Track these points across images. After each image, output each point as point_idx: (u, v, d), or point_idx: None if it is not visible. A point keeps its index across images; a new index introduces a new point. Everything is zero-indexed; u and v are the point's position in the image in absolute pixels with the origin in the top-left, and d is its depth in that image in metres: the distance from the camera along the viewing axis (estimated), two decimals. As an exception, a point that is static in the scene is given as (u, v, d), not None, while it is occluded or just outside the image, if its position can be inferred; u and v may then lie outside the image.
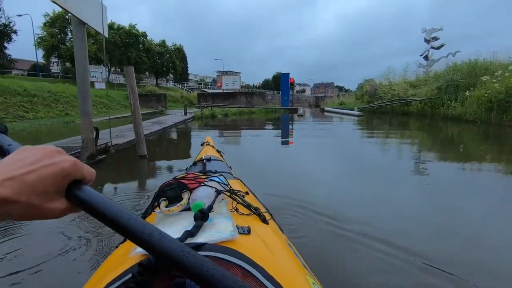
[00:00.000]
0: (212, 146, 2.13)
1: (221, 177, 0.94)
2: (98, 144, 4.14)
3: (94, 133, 3.94)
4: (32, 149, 0.31)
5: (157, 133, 7.87)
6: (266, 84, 70.42)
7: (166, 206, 0.73)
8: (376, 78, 21.45)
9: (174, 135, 8.45)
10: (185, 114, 14.86)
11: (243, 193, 0.97)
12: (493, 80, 9.72)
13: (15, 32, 27.18)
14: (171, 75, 45.30)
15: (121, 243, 0.74)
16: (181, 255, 0.29)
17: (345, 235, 1.98)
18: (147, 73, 42.23)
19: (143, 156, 4.37)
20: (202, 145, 2.19)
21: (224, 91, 28.74)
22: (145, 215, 0.83)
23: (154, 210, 0.78)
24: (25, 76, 28.29)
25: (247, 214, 0.79)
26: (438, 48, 20.26)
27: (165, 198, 0.74)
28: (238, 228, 0.64)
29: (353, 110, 16.51)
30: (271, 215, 0.89)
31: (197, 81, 59.24)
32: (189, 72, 51.22)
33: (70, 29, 28.97)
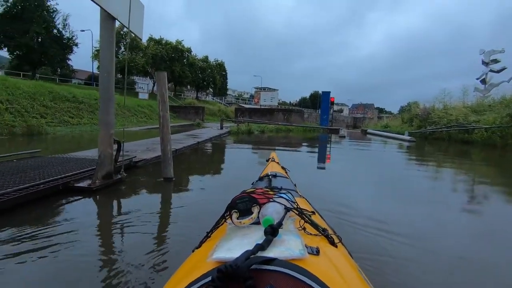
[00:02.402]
0: (277, 163, 2.14)
1: (289, 194, 0.94)
2: (119, 160, 3.58)
3: (115, 146, 3.38)
4: None
5: (190, 148, 7.37)
6: (303, 102, 69.49)
7: (237, 218, 0.75)
8: (423, 102, 19.53)
9: (208, 151, 7.89)
10: (221, 128, 14.51)
11: (310, 212, 0.96)
12: None
13: (76, 44, 29.94)
14: (210, 89, 46.54)
15: (196, 248, 0.79)
16: None
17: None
18: (188, 86, 43.85)
19: (169, 179, 3.68)
20: (267, 161, 2.25)
21: (262, 107, 28.40)
22: (217, 225, 0.84)
23: (226, 221, 0.81)
24: (81, 85, 30.69)
25: (314, 235, 0.75)
26: (498, 71, 17.96)
27: (236, 210, 0.77)
28: (307, 248, 0.61)
29: (401, 134, 14.95)
30: (339, 238, 0.83)
31: (235, 96, 60.23)
32: (228, 87, 52.30)
33: (123, 43, 31.23)
